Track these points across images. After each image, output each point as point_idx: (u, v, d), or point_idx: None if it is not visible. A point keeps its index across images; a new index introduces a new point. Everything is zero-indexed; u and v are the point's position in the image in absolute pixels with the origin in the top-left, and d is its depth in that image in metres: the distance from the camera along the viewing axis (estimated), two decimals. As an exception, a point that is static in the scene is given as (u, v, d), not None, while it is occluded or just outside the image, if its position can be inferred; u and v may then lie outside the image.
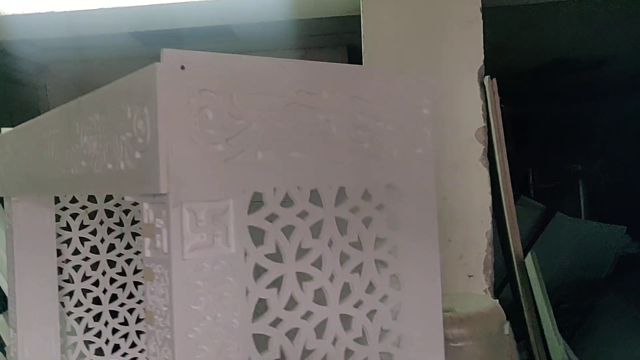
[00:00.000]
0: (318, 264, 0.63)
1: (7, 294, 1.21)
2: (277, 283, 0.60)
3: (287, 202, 0.61)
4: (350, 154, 0.65)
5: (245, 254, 0.57)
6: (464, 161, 1.38)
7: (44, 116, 0.82)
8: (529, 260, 1.28)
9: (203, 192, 0.53)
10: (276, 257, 0.60)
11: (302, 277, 0.62)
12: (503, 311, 0.99)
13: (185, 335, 0.52)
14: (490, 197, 1.37)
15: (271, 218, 0.59)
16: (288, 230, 0.60)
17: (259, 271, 0.59)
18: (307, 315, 0.62)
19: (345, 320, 0.66)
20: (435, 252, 0.74)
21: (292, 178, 0.60)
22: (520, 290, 1.30)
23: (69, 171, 0.73)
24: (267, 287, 0.59)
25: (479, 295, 1.09)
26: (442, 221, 1.38)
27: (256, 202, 0.59)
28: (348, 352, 0.66)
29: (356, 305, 0.66)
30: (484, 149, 1.38)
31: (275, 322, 0.59)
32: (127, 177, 0.57)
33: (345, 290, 0.66)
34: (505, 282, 1.55)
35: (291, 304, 0.61)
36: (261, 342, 0.59)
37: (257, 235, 0.59)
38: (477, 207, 1.37)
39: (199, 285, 0.53)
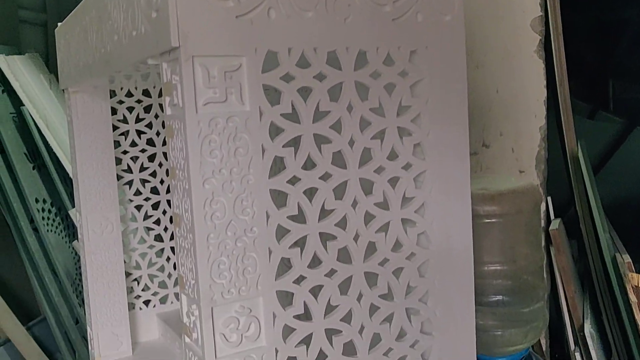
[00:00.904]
0: (338, 128, 0.64)
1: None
2: (293, 143, 0.61)
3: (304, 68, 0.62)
4: (371, 17, 0.64)
5: (261, 113, 0.58)
6: (518, 51, 1.31)
7: (83, 2, 0.85)
8: (579, 152, 1.24)
9: (214, 46, 0.54)
10: (293, 118, 0.61)
11: (321, 140, 0.63)
12: (540, 192, 0.97)
13: (202, 184, 0.55)
14: (545, 90, 1.32)
15: (287, 79, 0.60)
16: (306, 93, 0.61)
17: (277, 131, 0.61)
18: (326, 177, 0.64)
19: (367, 188, 0.67)
20: (464, 126, 0.73)
21: (307, 39, 0.60)
22: (573, 184, 1.27)
23: (106, 49, 0.76)
24: (284, 146, 0.60)
25: (518, 177, 1.07)
26: (494, 114, 1.35)
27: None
28: (368, 216, 0.67)
29: (377, 171, 0.68)
30: (540, 39, 1.31)
31: (293, 180, 0.62)
32: (146, 39, 0.59)
33: (367, 158, 0.67)
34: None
35: (310, 165, 0.63)
36: (281, 201, 0.62)
37: (274, 101, 0.60)
38: (531, 100, 1.32)
39: (214, 139, 0.56)
